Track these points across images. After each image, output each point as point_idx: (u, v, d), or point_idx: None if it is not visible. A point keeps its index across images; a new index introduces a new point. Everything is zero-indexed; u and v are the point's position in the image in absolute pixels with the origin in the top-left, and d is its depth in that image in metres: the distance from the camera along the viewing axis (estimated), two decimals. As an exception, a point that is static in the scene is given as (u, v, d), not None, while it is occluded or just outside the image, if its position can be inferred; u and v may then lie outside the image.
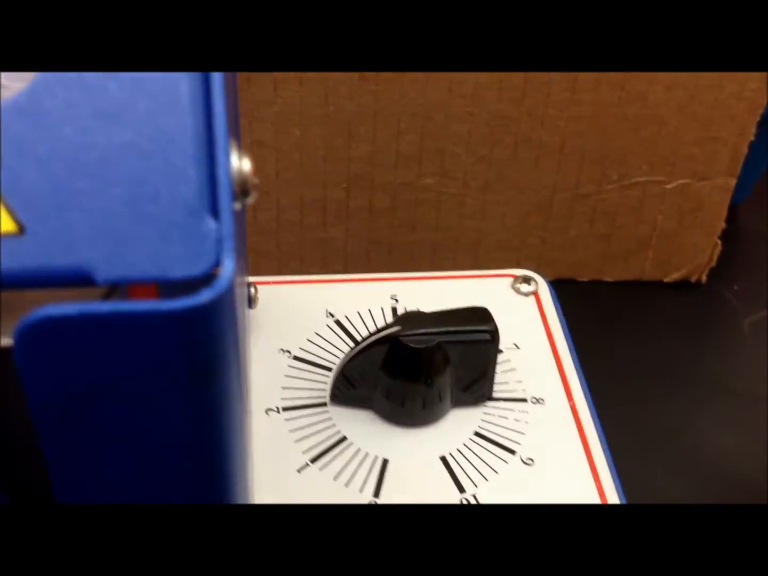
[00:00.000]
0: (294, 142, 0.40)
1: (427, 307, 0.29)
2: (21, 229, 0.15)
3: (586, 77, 0.39)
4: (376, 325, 0.30)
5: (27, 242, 0.15)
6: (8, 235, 0.15)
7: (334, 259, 0.43)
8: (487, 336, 0.26)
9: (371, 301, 0.31)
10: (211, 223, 0.16)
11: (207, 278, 0.16)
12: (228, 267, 0.15)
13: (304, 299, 0.31)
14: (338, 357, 0.29)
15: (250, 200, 0.17)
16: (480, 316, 0.27)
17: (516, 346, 0.30)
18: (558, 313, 0.31)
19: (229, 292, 0.15)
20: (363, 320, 0.31)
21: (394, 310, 0.31)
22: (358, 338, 0.30)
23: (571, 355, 0.29)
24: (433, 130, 0.40)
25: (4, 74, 0.18)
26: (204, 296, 0.15)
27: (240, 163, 0.16)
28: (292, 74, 0.38)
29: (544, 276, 0.33)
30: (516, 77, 0.39)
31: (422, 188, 0.42)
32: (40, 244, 0.15)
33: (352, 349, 0.27)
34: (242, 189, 0.17)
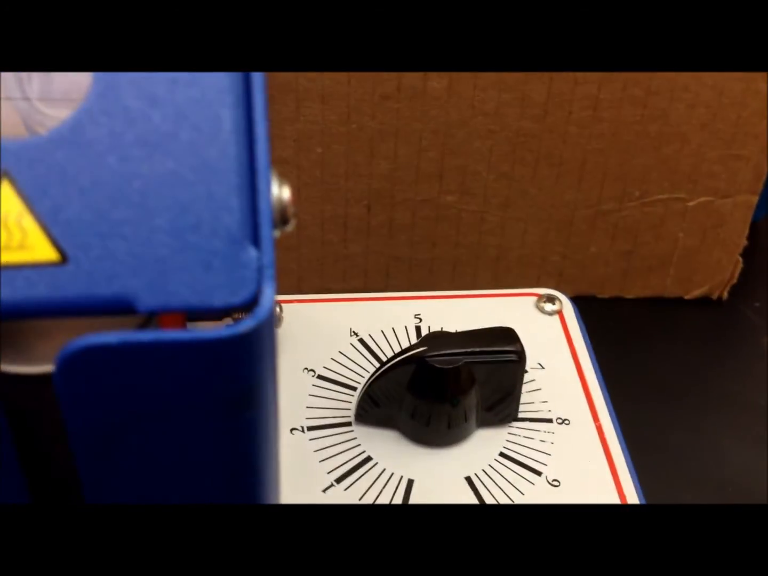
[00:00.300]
0: (316, 159, 0.40)
1: (451, 327, 0.29)
2: (63, 258, 0.15)
3: (608, 95, 0.39)
4: (400, 344, 0.30)
5: (69, 271, 0.15)
6: (51, 264, 0.15)
7: (354, 275, 0.43)
8: (514, 356, 0.26)
9: (395, 319, 0.31)
10: (252, 251, 0.16)
11: (240, 307, 0.16)
12: (268, 296, 0.15)
13: (328, 318, 0.32)
14: (362, 376, 0.29)
15: (290, 228, 0.17)
16: (506, 336, 0.27)
17: (541, 365, 0.29)
18: (582, 332, 0.31)
19: (269, 321, 0.15)
20: (387, 339, 0.31)
21: (417, 329, 0.31)
22: (383, 357, 0.30)
23: (596, 375, 0.29)
24: (455, 147, 0.40)
25: (44, 103, 0.18)
26: (245, 325, 0.15)
27: (280, 192, 0.17)
28: (314, 92, 0.38)
29: (565, 293, 0.33)
30: (538, 95, 0.39)
31: (443, 205, 0.42)
32: (83, 272, 0.15)
33: (377, 368, 0.27)
34: (282, 217, 0.17)
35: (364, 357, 0.30)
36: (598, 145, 0.40)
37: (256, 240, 0.16)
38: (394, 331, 0.31)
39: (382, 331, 0.31)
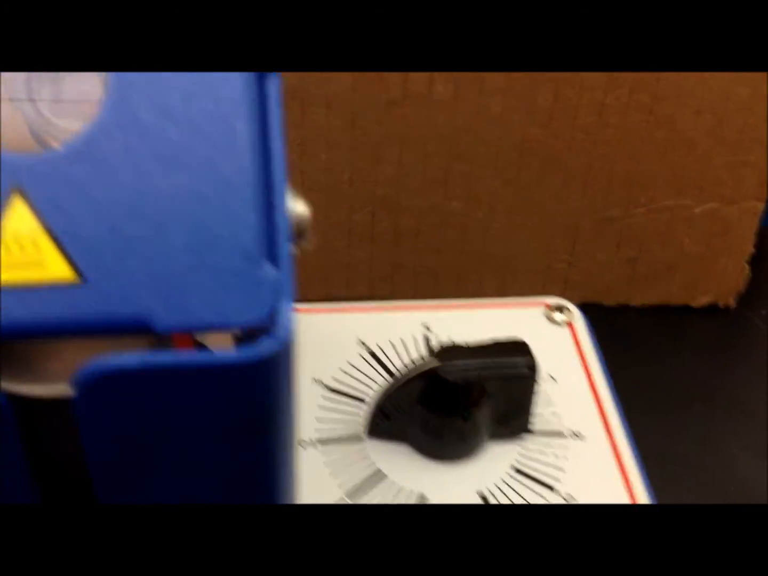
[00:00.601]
0: (320, 165, 0.40)
1: (460, 337, 0.29)
2: (79, 277, 0.15)
3: (614, 101, 0.39)
4: (409, 354, 0.30)
5: (86, 290, 0.15)
6: (66, 283, 0.15)
7: (358, 281, 0.43)
8: (526, 370, 0.26)
9: (403, 329, 0.31)
10: (269, 269, 0.15)
11: (257, 324, 0.15)
12: (286, 315, 0.15)
13: (335, 327, 0.31)
14: (372, 388, 0.29)
15: (306, 243, 0.17)
16: (518, 349, 0.26)
17: (552, 377, 0.29)
18: (593, 343, 0.30)
19: (288, 342, 0.15)
20: (395, 350, 0.30)
21: (426, 339, 0.31)
22: (392, 368, 0.29)
23: (608, 388, 0.29)
24: (460, 153, 0.40)
25: (54, 113, 0.17)
26: (265, 347, 0.15)
27: (296, 207, 0.16)
28: (319, 97, 0.38)
29: (571, 301, 0.32)
30: (544, 101, 0.39)
31: (448, 212, 0.41)
32: (99, 292, 0.15)
33: (388, 381, 0.27)
34: (299, 232, 0.16)
35: (373, 368, 0.30)
36: (604, 151, 0.40)
37: (272, 257, 0.15)
38: (403, 342, 0.30)
39: (390, 341, 0.31)
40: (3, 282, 0.14)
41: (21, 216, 0.15)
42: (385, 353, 0.30)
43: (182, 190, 0.15)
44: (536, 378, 0.26)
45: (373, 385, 0.29)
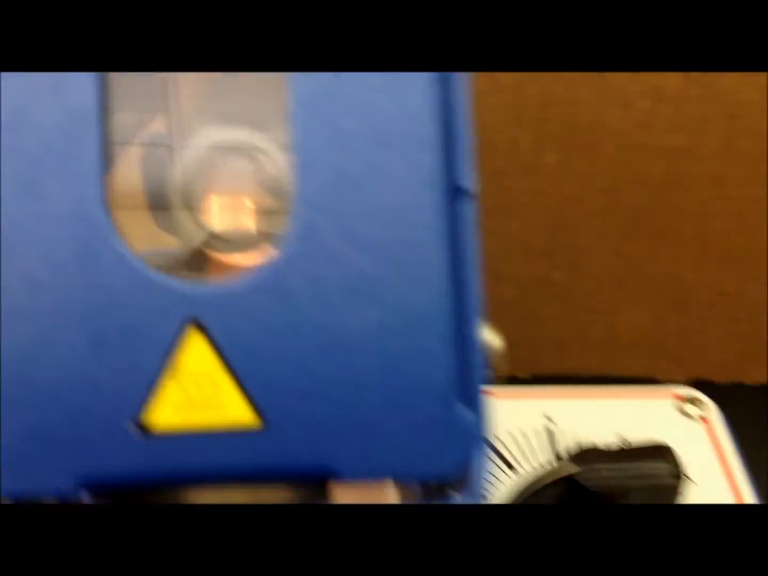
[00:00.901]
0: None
1: (585, 429, 0.27)
2: (260, 421, 0.14)
3: (731, 173, 0.37)
4: (533, 450, 0.28)
5: (267, 435, 0.14)
6: (247, 428, 0.14)
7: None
8: (672, 479, 0.24)
9: (523, 419, 0.29)
10: (463, 412, 0.14)
11: (449, 474, 0.14)
12: (481, 466, 0.14)
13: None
14: (494, 485, 0.27)
15: (495, 376, 0.15)
16: (662, 454, 0.25)
17: (689, 478, 0.27)
18: (731, 439, 0.28)
19: (482, 498, 0.14)
20: (517, 443, 0.29)
21: (549, 432, 0.29)
22: (516, 465, 0.28)
23: (752, 490, 0.27)
24: (566, 223, 0.38)
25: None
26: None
27: (489, 339, 0.15)
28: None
29: (680, 377, 0.31)
30: (656, 172, 0.37)
31: (551, 282, 0.40)
32: (281, 437, 0.14)
33: (510, 477, 0.25)
34: (493, 368, 0.15)
35: (494, 462, 0.28)
36: (719, 223, 0.38)
37: (467, 397, 0.14)
38: (525, 434, 0.29)
39: (510, 434, 0.29)
40: (179, 425, 0.13)
41: (199, 352, 0.14)
42: (506, 447, 0.28)
43: (371, 323, 0.14)
44: (682, 486, 0.24)
45: (495, 481, 0.27)
